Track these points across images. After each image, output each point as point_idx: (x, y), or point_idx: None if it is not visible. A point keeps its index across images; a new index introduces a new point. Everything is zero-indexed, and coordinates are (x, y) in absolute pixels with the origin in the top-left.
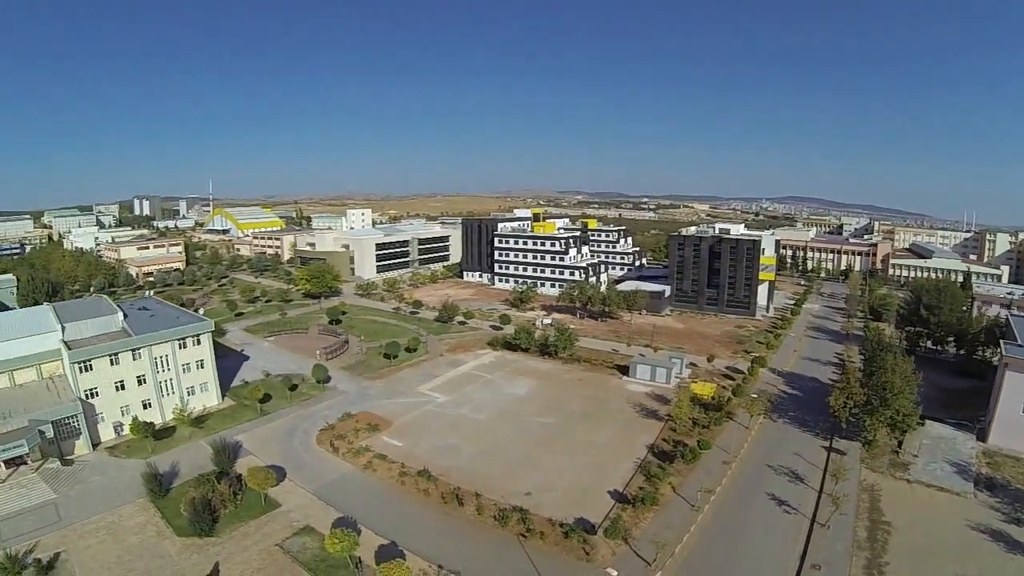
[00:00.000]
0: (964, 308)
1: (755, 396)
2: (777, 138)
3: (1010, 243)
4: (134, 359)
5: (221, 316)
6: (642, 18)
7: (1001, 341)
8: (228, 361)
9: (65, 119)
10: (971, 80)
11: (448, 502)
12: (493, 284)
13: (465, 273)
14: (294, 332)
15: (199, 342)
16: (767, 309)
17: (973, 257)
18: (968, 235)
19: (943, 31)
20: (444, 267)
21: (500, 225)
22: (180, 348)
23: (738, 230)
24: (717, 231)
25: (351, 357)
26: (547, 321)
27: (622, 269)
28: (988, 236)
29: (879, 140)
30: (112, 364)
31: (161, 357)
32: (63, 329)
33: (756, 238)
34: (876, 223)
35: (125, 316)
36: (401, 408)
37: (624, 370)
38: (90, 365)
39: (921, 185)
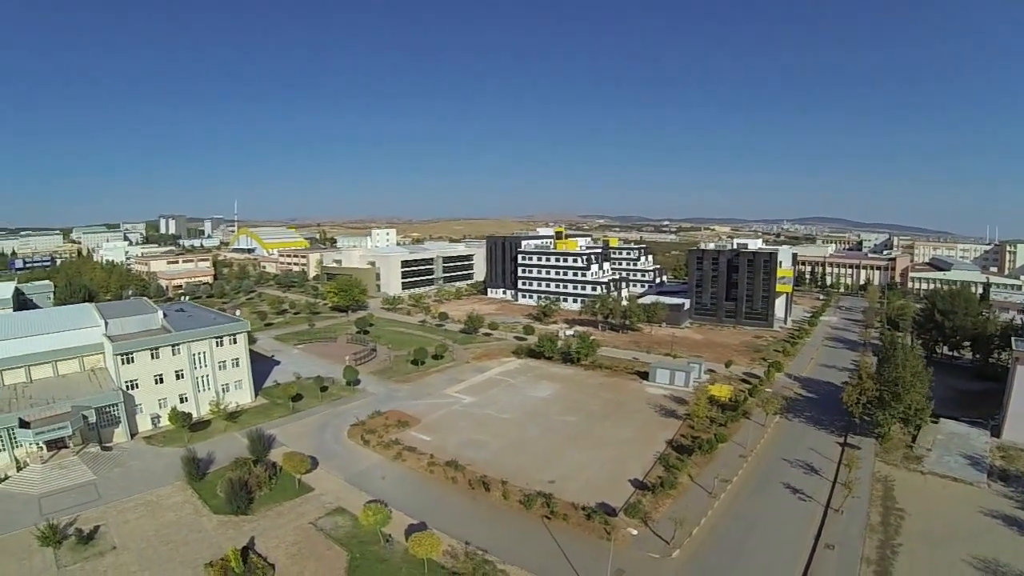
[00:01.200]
0: (979, 313)
1: (770, 392)
2: (799, 160)
3: None
4: (173, 354)
5: (251, 326)
6: (661, 43)
7: (1013, 339)
8: (259, 365)
9: (94, 140)
10: (993, 94)
11: (475, 488)
12: (516, 300)
13: (489, 290)
14: (323, 340)
15: (235, 341)
16: (785, 321)
17: (994, 269)
18: (988, 247)
19: (959, 48)
20: (468, 284)
21: (523, 242)
22: (217, 346)
23: (756, 245)
24: (735, 246)
25: (379, 364)
26: (569, 332)
27: (642, 286)
28: (1008, 248)
29: (900, 160)
30: (152, 358)
31: (199, 353)
32: (106, 324)
33: (773, 251)
34: (895, 238)
35: (164, 315)
36: (429, 408)
37: (644, 375)
38: (132, 358)
39: (943, 203)
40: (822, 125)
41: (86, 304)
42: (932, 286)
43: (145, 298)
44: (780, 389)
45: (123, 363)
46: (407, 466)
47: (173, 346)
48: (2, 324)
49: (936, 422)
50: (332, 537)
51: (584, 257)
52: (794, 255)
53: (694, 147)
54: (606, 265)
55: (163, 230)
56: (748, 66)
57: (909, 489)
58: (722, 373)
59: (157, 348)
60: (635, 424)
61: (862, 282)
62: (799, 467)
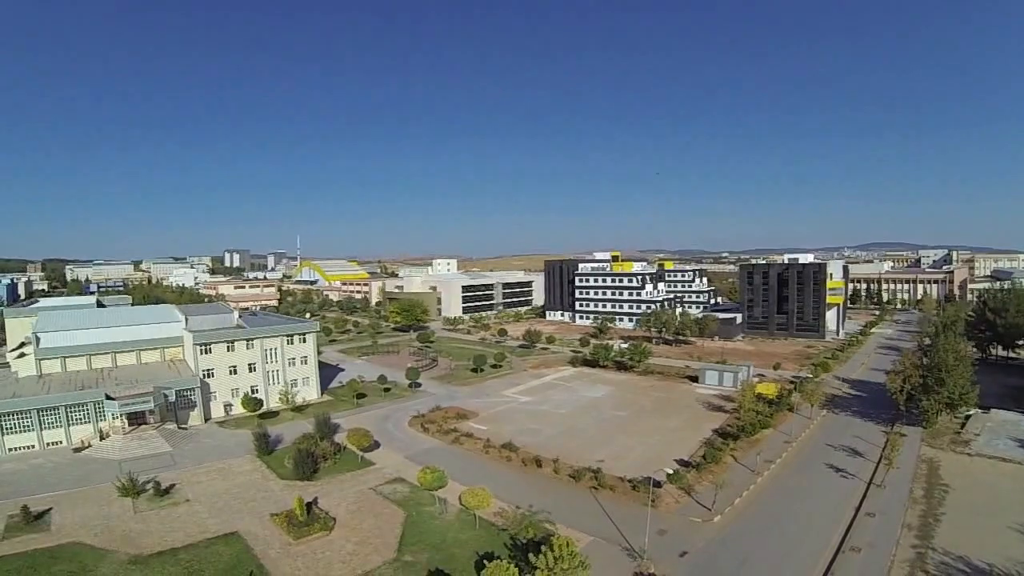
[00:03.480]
0: None
1: (817, 382)
2: (858, 186)
3: None
4: (247, 348)
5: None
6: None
7: None
8: (325, 371)
9: (161, 176)
10: None
11: (527, 465)
12: (574, 321)
13: (548, 313)
14: (385, 353)
15: (304, 340)
16: (837, 333)
17: None
18: None
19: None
20: (527, 310)
21: (580, 265)
22: (287, 344)
23: (807, 259)
24: (786, 260)
25: (440, 371)
26: (624, 345)
27: (697, 307)
28: None
29: (961, 179)
30: (228, 350)
31: (271, 349)
32: (186, 320)
33: (822, 263)
34: (955, 253)
35: (240, 316)
36: (487, 405)
37: (694, 379)
38: (209, 348)
39: (1009, 221)
40: (881, 149)
41: (168, 305)
42: None
43: (221, 303)
44: (829, 389)
45: (201, 353)
46: (464, 448)
47: (247, 340)
48: (90, 316)
49: (986, 412)
50: (390, 499)
51: (639, 277)
52: (845, 267)
53: (750, 178)
54: (660, 285)
55: (227, 263)
56: (798, 95)
57: (955, 468)
58: (770, 376)
59: (233, 341)
60: (683, 417)
61: (919, 297)
62: (843, 451)
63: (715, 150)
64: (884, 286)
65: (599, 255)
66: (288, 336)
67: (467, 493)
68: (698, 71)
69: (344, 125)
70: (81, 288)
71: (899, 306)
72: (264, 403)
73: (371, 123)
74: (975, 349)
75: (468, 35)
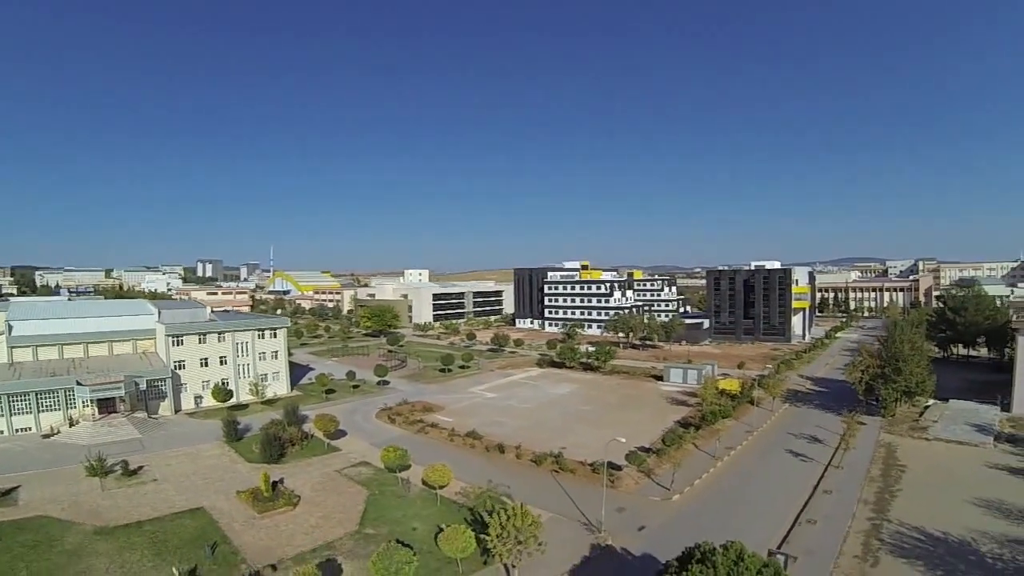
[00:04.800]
0: (993, 309)
1: (780, 378)
2: (828, 203)
3: None
4: (219, 341)
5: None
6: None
7: (1012, 314)
8: (296, 371)
9: (136, 187)
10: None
11: (491, 451)
12: (544, 328)
13: (517, 321)
14: (356, 355)
15: (275, 335)
16: (803, 337)
17: (1022, 285)
18: (1015, 264)
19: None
20: (497, 318)
21: (550, 274)
22: (259, 338)
23: (774, 265)
24: (752, 267)
25: (409, 371)
26: (591, 349)
27: (666, 316)
28: None
29: (932, 195)
30: (200, 342)
31: (242, 343)
32: (159, 313)
33: (787, 268)
34: (921, 263)
35: (212, 312)
36: (454, 400)
37: (659, 378)
38: (181, 340)
39: (976, 235)
40: (850, 166)
41: (141, 300)
42: None
43: (196, 299)
44: (792, 385)
45: (173, 344)
46: (429, 437)
47: (219, 333)
48: (63, 307)
49: (945, 403)
50: (354, 480)
51: (607, 285)
52: (811, 274)
53: (725, 196)
54: (629, 293)
55: (200, 273)
56: (770, 113)
57: (913, 451)
58: (735, 374)
59: (204, 334)
60: (647, 411)
61: (885, 304)
62: (804, 439)
63: (688, 168)
64: (851, 294)
65: (568, 264)
66: (259, 330)
67: (429, 469)
68: (668, 93)
69: (319, 139)
70: (51, 292)
71: (866, 314)
72: (234, 395)
73: (347, 137)
74: (937, 348)
75: (441, 51)
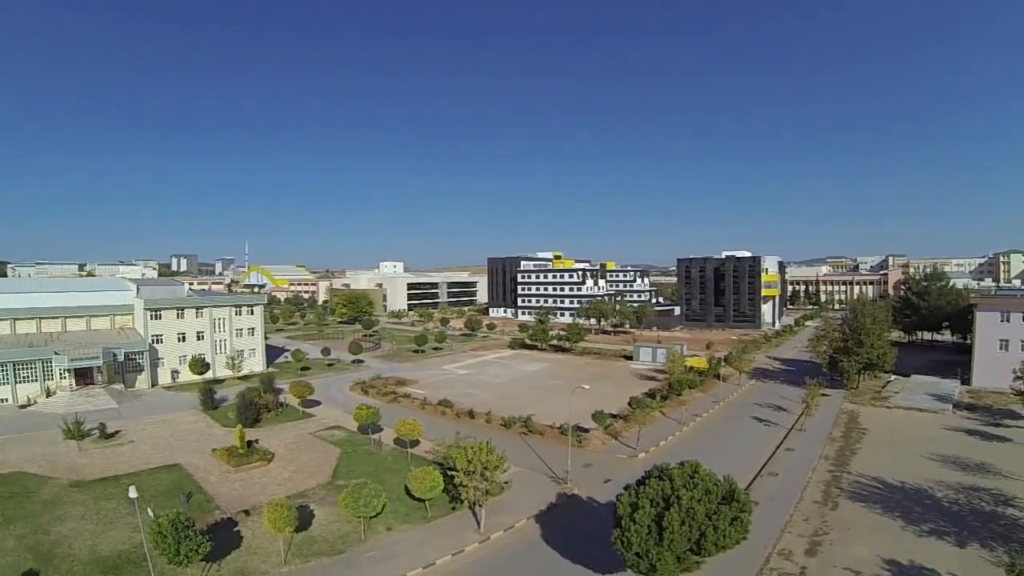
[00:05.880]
0: (954, 294)
1: (748, 359)
2: (799, 202)
3: None
4: (196, 316)
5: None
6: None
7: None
8: (272, 352)
9: (108, 183)
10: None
11: (461, 417)
12: (516, 317)
13: (491, 310)
14: (331, 339)
15: (252, 312)
16: (773, 324)
17: (989, 279)
18: (983, 260)
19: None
20: (471, 308)
21: (523, 263)
22: (236, 314)
23: (744, 254)
24: (723, 256)
25: (383, 352)
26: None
27: (639, 306)
28: (1003, 259)
29: (905, 195)
30: (178, 317)
31: (219, 319)
32: (138, 289)
33: (757, 256)
34: (891, 259)
35: (190, 289)
36: (427, 376)
37: (629, 358)
38: (159, 314)
39: (949, 235)
40: (816, 167)
41: (119, 278)
42: None
43: (175, 278)
44: (760, 365)
45: (151, 318)
46: (401, 406)
47: (197, 309)
48: (41, 282)
49: (907, 378)
50: (328, 441)
51: (580, 273)
52: (781, 263)
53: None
54: (601, 282)
55: (175, 268)
56: (745, 118)
57: (874, 416)
58: (704, 355)
59: (182, 309)
60: (617, 384)
61: (855, 296)
62: (768, 407)
63: (662, 167)
64: (822, 287)
65: (542, 254)
66: (236, 306)
67: (399, 424)
68: (642, 94)
69: (296, 136)
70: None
71: (836, 306)
72: (211, 369)
73: (328, 135)
74: (903, 332)
75: (418, 50)
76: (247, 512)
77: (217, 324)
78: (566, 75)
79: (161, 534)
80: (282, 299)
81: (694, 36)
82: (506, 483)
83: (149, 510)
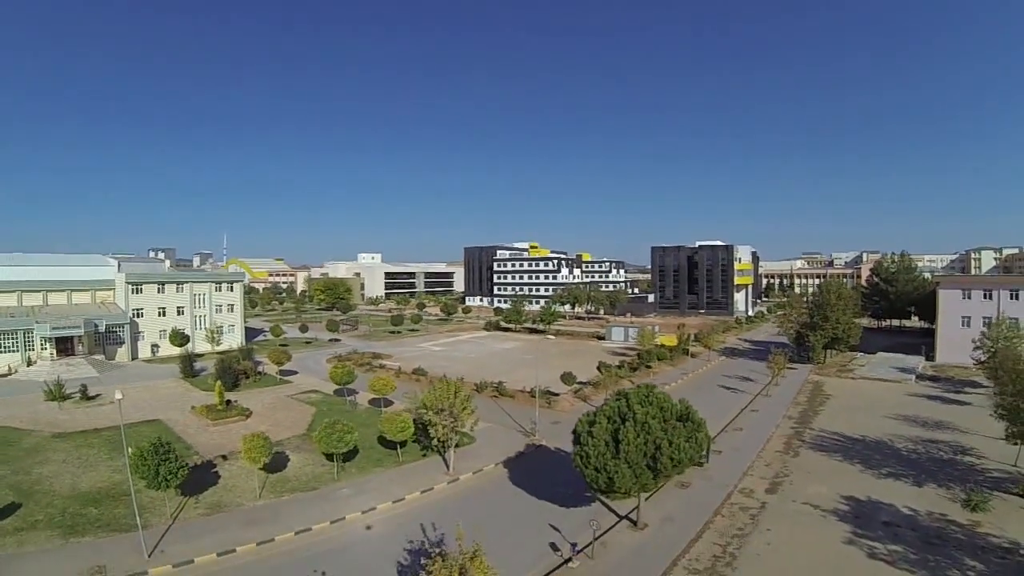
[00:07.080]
0: (920, 280)
1: (719, 338)
2: (775, 202)
3: (995, 260)
4: (177, 291)
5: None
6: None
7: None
8: (251, 333)
9: (85, 176)
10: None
11: (435, 383)
12: (492, 305)
13: (468, 299)
14: (309, 322)
15: (232, 289)
16: (747, 312)
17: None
18: (955, 256)
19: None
20: (448, 297)
21: (499, 252)
22: (216, 290)
23: (716, 243)
24: (697, 245)
25: (360, 332)
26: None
27: (612, 293)
28: (973, 255)
29: (874, 193)
30: (159, 291)
31: (200, 295)
32: (119, 265)
33: (730, 245)
34: (866, 255)
35: (171, 267)
36: (402, 351)
37: (601, 338)
38: (140, 289)
39: (919, 232)
40: (799, 167)
41: (100, 255)
42: None
43: (157, 256)
44: (730, 345)
45: (133, 292)
46: (376, 375)
47: (178, 284)
48: (22, 256)
49: (874, 355)
50: (304, 402)
51: (555, 261)
52: (754, 253)
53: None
54: (576, 271)
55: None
56: (726, 114)
57: (838, 385)
58: (675, 335)
59: (163, 283)
60: (588, 359)
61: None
62: (736, 379)
63: (635, 165)
64: (796, 280)
65: (518, 244)
66: (216, 283)
67: (374, 379)
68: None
69: (277, 133)
70: None
71: (809, 298)
72: (191, 343)
73: (301, 129)
74: (871, 318)
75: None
76: (224, 457)
77: (197, 300)
78: (542, 71)
79: (142, 457)
80: (261, 289)
81: (656, 32)
82: (475, 422)
83: (130, 450)
